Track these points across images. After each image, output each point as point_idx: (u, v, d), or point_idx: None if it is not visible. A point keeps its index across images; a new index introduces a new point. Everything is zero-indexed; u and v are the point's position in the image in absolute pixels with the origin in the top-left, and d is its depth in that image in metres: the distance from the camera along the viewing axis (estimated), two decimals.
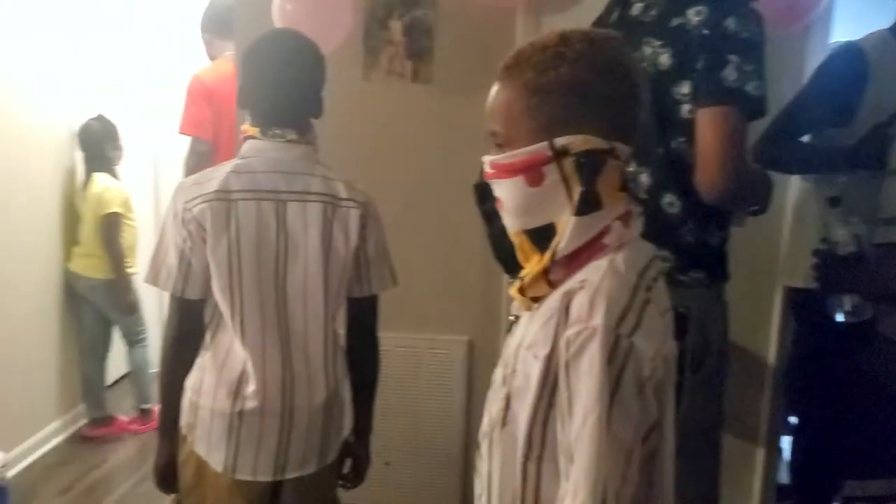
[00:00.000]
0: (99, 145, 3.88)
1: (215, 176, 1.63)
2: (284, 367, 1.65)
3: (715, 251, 1.77)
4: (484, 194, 1.61)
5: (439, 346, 2.82)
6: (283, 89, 1.67)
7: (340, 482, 1.89)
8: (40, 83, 3.67)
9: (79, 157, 3.94)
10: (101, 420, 3.96)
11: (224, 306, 1.62)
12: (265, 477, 1.68)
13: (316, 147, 1.74)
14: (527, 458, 1.05)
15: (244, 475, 1.67)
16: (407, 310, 2.80)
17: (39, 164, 3.71)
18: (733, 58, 1.59)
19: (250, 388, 1.63)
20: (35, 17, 3.61)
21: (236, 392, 1.64)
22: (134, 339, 4.03)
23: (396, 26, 2.65)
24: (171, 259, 1.62)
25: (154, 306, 4.28)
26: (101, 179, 3.83)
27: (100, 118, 3.95)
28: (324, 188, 1.66)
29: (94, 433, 3.93)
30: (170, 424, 1.73)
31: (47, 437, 3.75)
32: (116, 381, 4.35)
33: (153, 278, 1.65)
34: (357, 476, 1.91)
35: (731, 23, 1.60)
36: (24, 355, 3.61)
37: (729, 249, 1.82)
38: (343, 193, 1.67)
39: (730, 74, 1.59)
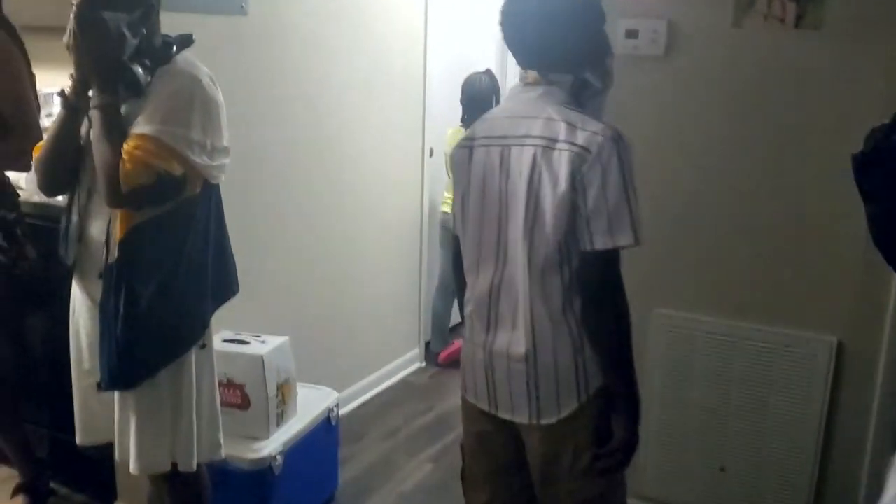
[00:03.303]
0: (485, 99, 3.94)
1: (474, 125, 1.73)
2: (491, 308, 1.67)
3: None
4: (864, 166, 1.38)
5: (798, 343, 2.40)
6: (520, 30, 1.63)
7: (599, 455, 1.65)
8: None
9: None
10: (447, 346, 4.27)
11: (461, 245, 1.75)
12: (483, 405, 1.72)
13: (561, 90, 1.61)
14: None
15: (470, 396, 1.77)
16: (760, 298, 2.44)
17: (396, 112, 3.83)
18: None
19: (466, 311, 1.75)
20: None
21: (465, 316, 1.77)
22: None
23: None
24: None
25: None
26: None
27: (488, 72, 4.02)
28: (542, 131, 1.56)
29: (442, 357, 4.23)
30: None
31: (380, 379, 3.93)
32: (454, 327, 4.45)
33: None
34: (614, 452, 1.63)
35: None
36: (373, 298, 3.80)
37: None
38: (562, 136, 1.54)
39: None
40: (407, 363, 4.15)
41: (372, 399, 3.80)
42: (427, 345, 4.31)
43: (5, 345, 2.57)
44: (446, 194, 4.09)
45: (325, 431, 2.82)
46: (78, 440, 2.04)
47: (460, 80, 4.01)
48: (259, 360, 2.49)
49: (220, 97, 1.86)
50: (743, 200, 2.41)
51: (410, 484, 3.09)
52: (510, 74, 4.56)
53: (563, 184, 1.51)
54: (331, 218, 3.43)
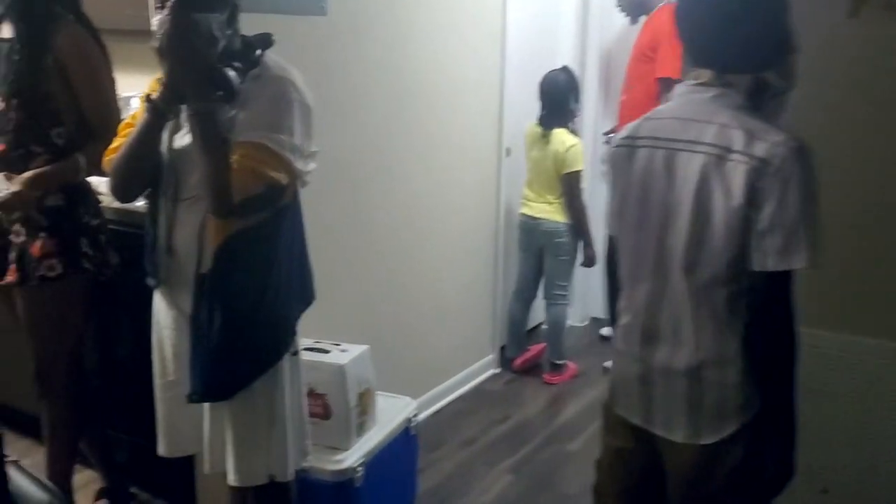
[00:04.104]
0: (563, 97, 3.85)
1: (637, 121, 1.61)
2: (649, 318, 1.58)
3: None
4: None
5: None
6: (695, 24, 1.51)
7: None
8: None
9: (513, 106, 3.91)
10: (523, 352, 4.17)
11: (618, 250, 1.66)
12: (636, 420, 1.64)
13: (738, 92, 1.48)
14: None
15: (620, 409, 1.68)
16: (865, 310, 2.25)
17: (473, 111, 3.73)
18: None
19: (620, 322, 1.66)
20: None
21: (618, 325, 1.68)
22: (554, 295, 4.01)
23: None
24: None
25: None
26: (563, 137, 3.80)
27: (565, 69, 3.92)
28: (716, 138, 1.45)
29: (518, 363, 4.12)
30: None
31: (455, 385, 3.83)
32: (529, 330, 4.36)
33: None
34: (769, 481, 1.55)
35: None
36: (448, 302, 3.72)
37: None
38: (737, 145, 1.42)
39: None
40: (482, 369, 4.05)
41: (447, 406, 3.71)
42: (502, 350, 4.20)
43: (89, 351, 2.56)
44: (526, 191, 3.98)
45: (405, 442, 2.74)
46: (161, 451, 2.01)
47: (538, 77, 3.89)
48: (340, 370, 2.43)
49: (312, 100, 1.80)
50: (865, 208, 2.23)
51: (490, 496, 2.99)
52: (589, 72, 4.42)
53: (737, 198, 1.40)
54: (405, 220, 3.36)
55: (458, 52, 3.53)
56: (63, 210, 2.29)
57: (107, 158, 1.89)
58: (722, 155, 1.43)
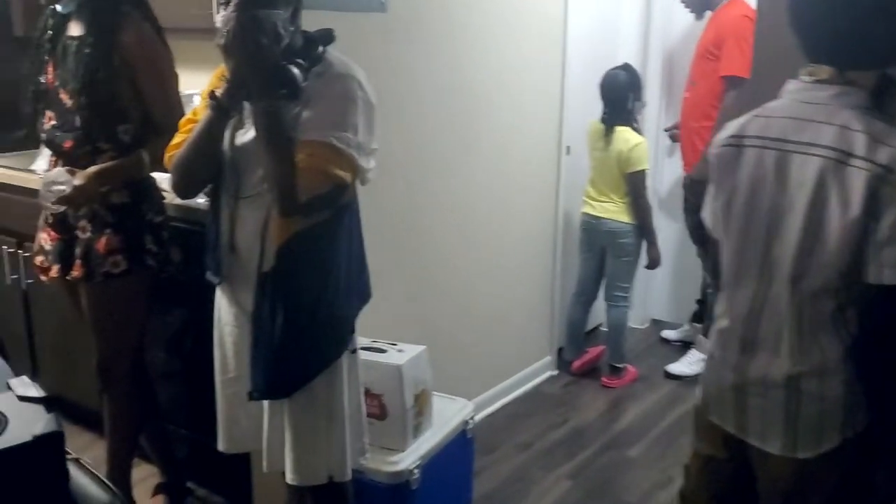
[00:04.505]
0: (623, 96, 3.77)
1: (743, 119, 1.53)
2: (749, 325, 1.51)
3: None
4: None
5: None
6: (818, 13, 1.40)
7: None
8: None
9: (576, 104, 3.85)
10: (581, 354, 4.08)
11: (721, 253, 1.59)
12: (730, 428, 1.58)
13: (860, 90, 1.38)
14: None
15: (714, 417, 1.62)
16: None
17: (532, 108, 3.66)
18: None
19: (717, 327, 1.60)
20: None
21: (714, 329, 1.62)
22: (615, 297, 3.93)
23: None
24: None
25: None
26: (627, 135, 3.73)
27: (626, 67, 3.85)
28: (834, 141, 1.35)
29: (576, 366, 4.03)
30: None
31: (512, 387, 3.78)
32: (588, 332, 4.29)
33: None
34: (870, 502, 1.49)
35: None
36: (505, 302, 3.67)
37: None
38: (859, 150, 1.32)
39: None
40: (539, 371, 3.98)
41: (502, 408, 3.66)
42: (560, 352, 4.13)
43: (151, 346, 2.59)
44: (589, 189, 3.90)
45: (461, 444, 2.70)
46: (220, 447, 2.02)
47: (600, 74, 3.82)
48: (397, 370, 2.40)
49: (375, 98, 1.79)
50: None
51: (547, 502, 2.93)
52: (651, 69, 4.33)
53: (855, 208, 1.32)
54: (463, 218, 3.32)
55: (519, 48, 3.47)
56: (128, 207, 2.31)
57: (168, 155, 1.89)
58: (841, 160, 1.34)
